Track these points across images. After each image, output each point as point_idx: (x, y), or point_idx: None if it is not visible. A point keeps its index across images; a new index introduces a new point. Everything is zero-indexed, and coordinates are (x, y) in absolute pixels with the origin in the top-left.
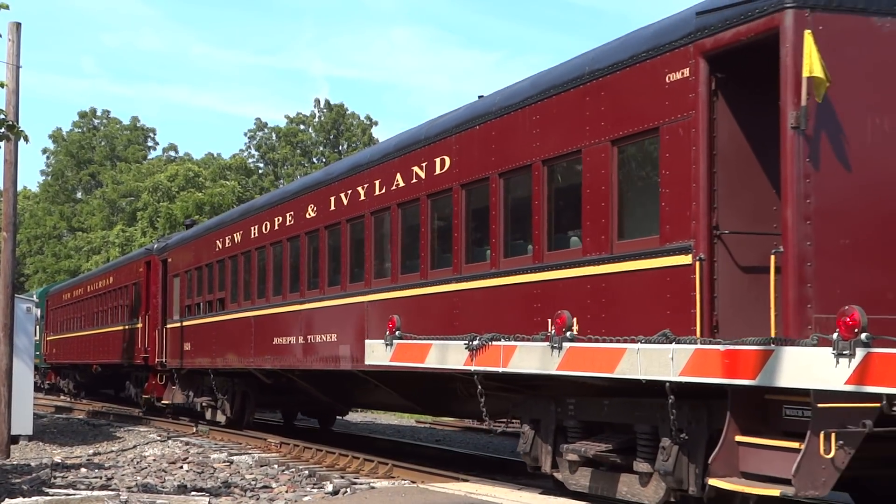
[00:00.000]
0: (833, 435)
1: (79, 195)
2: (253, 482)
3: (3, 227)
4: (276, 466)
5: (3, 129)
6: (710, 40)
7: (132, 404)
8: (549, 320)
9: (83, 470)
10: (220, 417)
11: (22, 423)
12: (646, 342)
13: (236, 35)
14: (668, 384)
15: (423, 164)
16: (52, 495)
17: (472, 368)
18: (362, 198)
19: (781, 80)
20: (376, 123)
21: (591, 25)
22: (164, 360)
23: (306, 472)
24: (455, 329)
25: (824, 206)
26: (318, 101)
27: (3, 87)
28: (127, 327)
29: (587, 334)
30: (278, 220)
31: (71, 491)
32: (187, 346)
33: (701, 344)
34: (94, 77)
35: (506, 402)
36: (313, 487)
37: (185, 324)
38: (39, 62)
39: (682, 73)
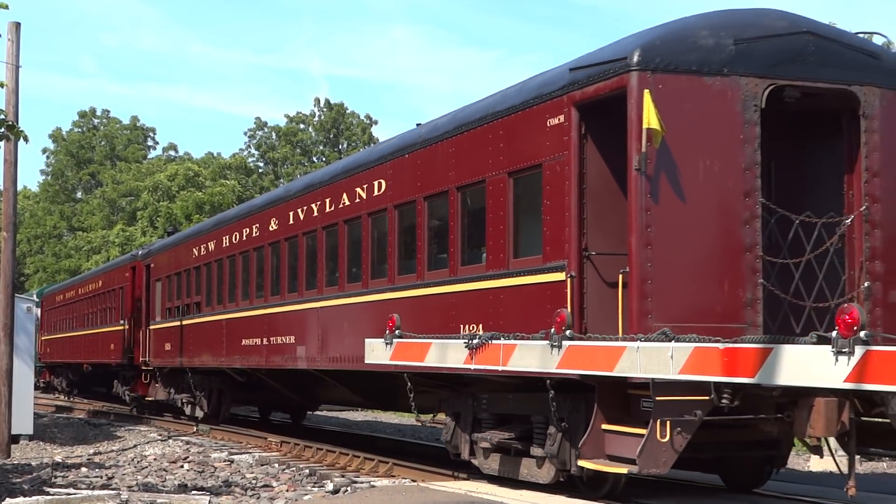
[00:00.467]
0: (668, 422)
1: (79, 195)
2: (254, 481)
3: (4, 227)
4: (276, 465)
5: (2, 129)
6: (579, 93)
7: (121, 402)
8: (462, 325)
9: (84, 469)
10: (199, 413)
11: (22, 422)
12: (645, 340)
13: (235, 35)
14: (548, 381)
15: (365, 186)
16: (53, 495)
17: (473, 367)
18: (315, 214)
19: (628, 130)
20: (376, 122)
21: (589, 23)
22: (147, 359)
23: (307, 470)
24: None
25: (662, 234)
26: (317, 101)
27: (2, 87)
28: (114, 328)
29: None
30: (246, 231)
31: (72, 490)
32: (168, 347)
33: (700, 342)
34: (93, 77)
35: (435, 398)
36: (314, 486)
37: (165, 325)
38: (39, 62)
39: (559, 119)
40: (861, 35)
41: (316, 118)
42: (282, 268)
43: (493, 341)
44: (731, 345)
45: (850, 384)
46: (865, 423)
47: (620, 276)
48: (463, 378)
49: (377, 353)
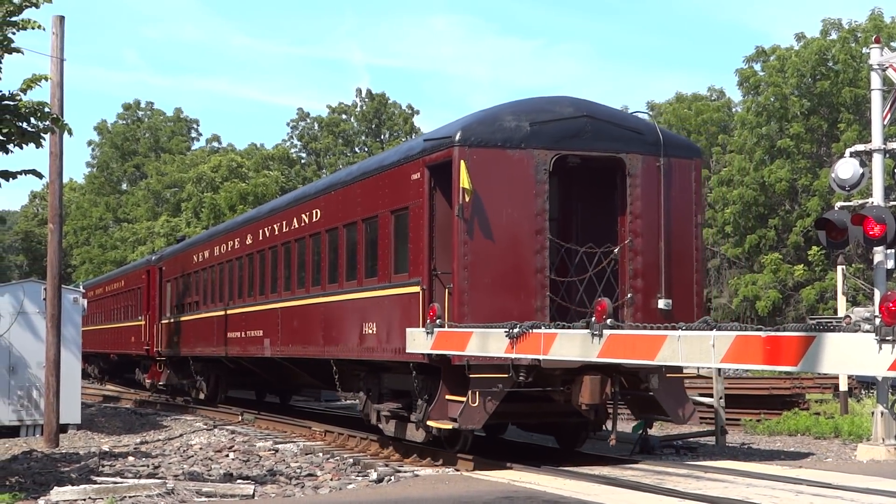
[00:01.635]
0: (478, 392)
1: (124, 186)
2: (298, 470)
3: (50, 219)
4: (320, 454)
5: (47, 122)
6: (428, 157)
7: (141, 387)
8: (363, 324)
9: (131, 458)
10: (200, 395)
11: (70, 412)
12: (686, 329)
13: (276, 26)
14: (411, 364)
15: (307, 214)
16: (101, 483)
17: (513, 356)
18: (276, 233)
19: (452, 187)
20: (418, 112)
21: (631, 11)
22: (160, 349)
23: (351, 460)
24: (324, 326)
25: (475, 260)
26: (359, 91)
27: (47, 80)
28: (134, 323)
29: (388, 330)
30: (230, 243)
31: (119, 479)
32: (175, 339)
33: (741, 330)
34: (136, 69)
35: (357, 379)
36: (358, 475)
37: (173, 320)
38: (83, 55)
39: (417, 175)
40: (635, 113)
41: (358, 108)
42: (254, 274)
43: (534, 330)
44: (773, 333)
45: (894, 372)
46: (639, 395)
47: (446, 290)
48: (373, 363)
49: (418, 342)
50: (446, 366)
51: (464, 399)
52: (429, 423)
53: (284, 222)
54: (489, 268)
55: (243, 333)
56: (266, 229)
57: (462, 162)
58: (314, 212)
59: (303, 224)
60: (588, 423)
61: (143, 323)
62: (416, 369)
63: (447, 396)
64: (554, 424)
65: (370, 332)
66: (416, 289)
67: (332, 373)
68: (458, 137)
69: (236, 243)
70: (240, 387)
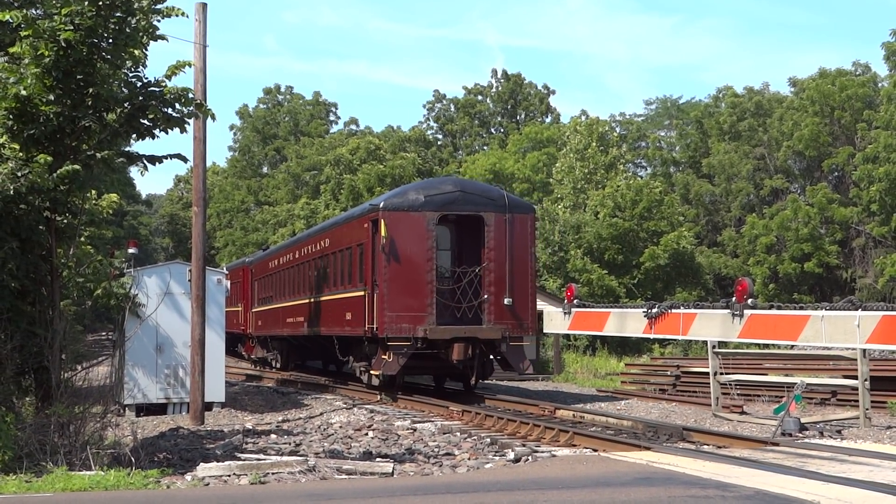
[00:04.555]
0: (392, 353)
1: (265, 170)
2: (436, 449)
3: (194, 202)
4: (458, 434)
5: (191, 108)
6: (372, 214)
7: (242, 357)
8: (345, 313)
9: (273, 436)
10: (277, 365)
11: (215, 390)
12: (830, 309)
13: (411, 9)
14: (363, 337)
15: (321, 241)
16: (244, 460)
17: (652, 336)
18: (308, 252)
19: (377, 231)
20: (554, 92)
21: None
22: (251, 330)
23: (488, 439)
24: (329, 314)
25: (391, 276)
26: (494, 72)
27: (191, 67)
28: (236, 309)
29: (356, 317)
30: (286, 256)
31: (262, 456)
32: (259, 323)
33: (888, 311)
34: (276, 54)
35: (348, 349)
36: (495, 455)
37: (259, 309)
38: (225, 42)
39: (367, 225)
40: (496, 186)
41: (493, 89)
42: (298, 278)
43: (673, 311)
44: None
45: None
46: (495, 355)
47: (374, 294)
48: (350, 337)
49: (555, 322)
50: (377, 337)
51: (386, 357)
52: (371, 372)
53: (312, 245)
54: (399, 281)
55: (294, 319)
56: (305, 248)
57: (382, 220)
58: (325, 240)
59: (321, 247)
60: (472, 375)
61: (240, 309)
62: (366, 340)
63: (382, 356)
64: (458, 374)
65: (349, 317)
66: (363, 292)
67: (334, 344)
68: (381, 206)
69: (289, 256)
70: (303, 358)
